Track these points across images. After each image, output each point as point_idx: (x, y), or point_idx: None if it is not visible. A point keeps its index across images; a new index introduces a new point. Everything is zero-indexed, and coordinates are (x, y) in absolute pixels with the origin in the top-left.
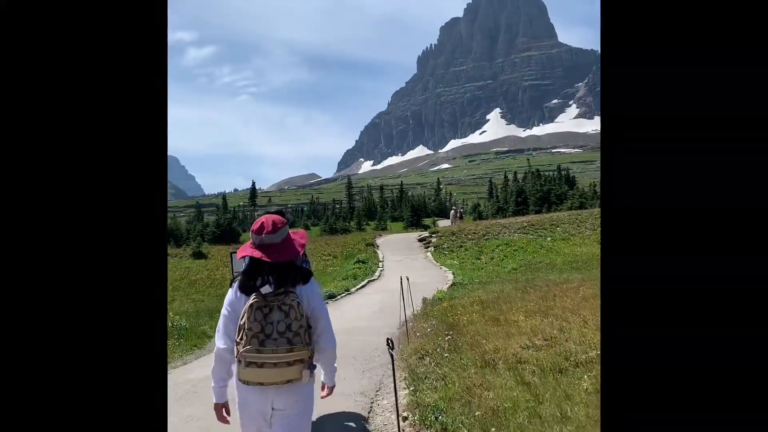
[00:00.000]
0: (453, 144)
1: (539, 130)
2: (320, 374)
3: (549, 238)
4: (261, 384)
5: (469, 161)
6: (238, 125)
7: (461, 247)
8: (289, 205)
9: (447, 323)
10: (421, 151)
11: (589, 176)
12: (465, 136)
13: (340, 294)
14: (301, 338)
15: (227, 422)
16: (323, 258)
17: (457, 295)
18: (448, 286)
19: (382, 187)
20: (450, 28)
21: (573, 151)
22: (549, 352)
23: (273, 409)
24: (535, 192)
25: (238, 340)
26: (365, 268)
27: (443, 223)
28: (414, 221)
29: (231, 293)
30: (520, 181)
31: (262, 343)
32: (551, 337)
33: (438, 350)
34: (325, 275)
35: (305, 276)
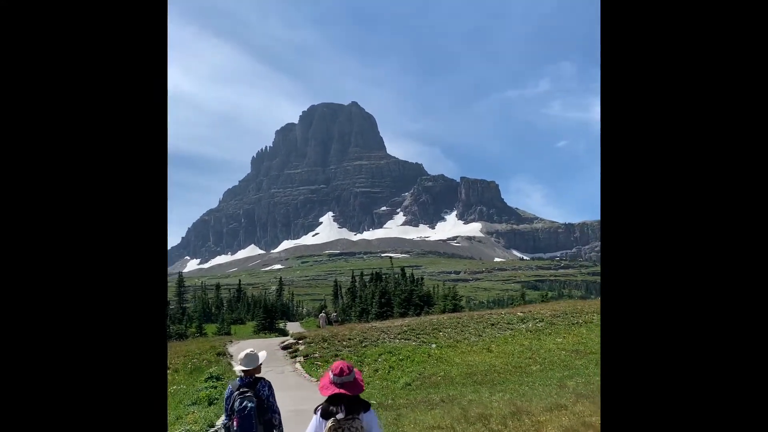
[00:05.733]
0: (286, 245)
1: (369, 235)
2: None
3: (434, 345)
4: None
5: (302, 262)
6: None
7: (336, 356)
8: None
9: None
10: (252, 250)
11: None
12: (298, 237)
13: None
14: None
15: None
16: None
17: None
18: None
19: (218, 286)
20: (286, 132)
21: (401, 255)
22: None
23: None
24: (399, 293)
25: None
26: (221, 387)
27: (293, 327)
28: (267, 324)
29: (315, 419)
30: (367, 283)
31: None
32: None
33: None
34: (167, 398)
35: (366, 406)
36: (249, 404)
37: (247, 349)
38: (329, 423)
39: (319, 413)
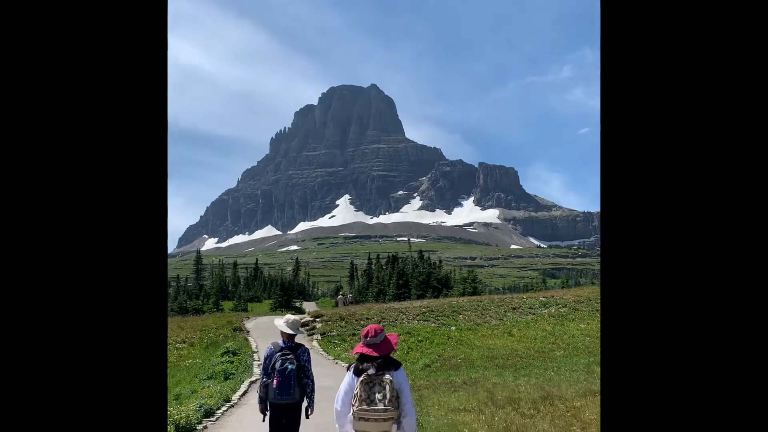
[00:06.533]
0: (302, 226)
1: (385, 219)
2: None
3: (454, 327)
4: None
5: (319, 244)
6: None
7: (354, 335)
8: None
9: None
10: (269, 231)
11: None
12: (315, 219)
13: (218, 407)
14: (393, 404)
15: None
16: (175, 346)
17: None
18: None
19: (235, 264)
20: (305, 113)
21: (416, 240)
22: None
23: None
24: (417, 275)
25: (353, 403)
26: (237, 362)
27: (308, 307)
28: (284, 302)
29: (348, 376)
30: (384, 265)
31: (368, 405)
32: None
33: None
34: (181, 371)
35: (396, 365)
36: (290, 366)
37: (289, 315)
38: (361, 378)
39: (351, 370)
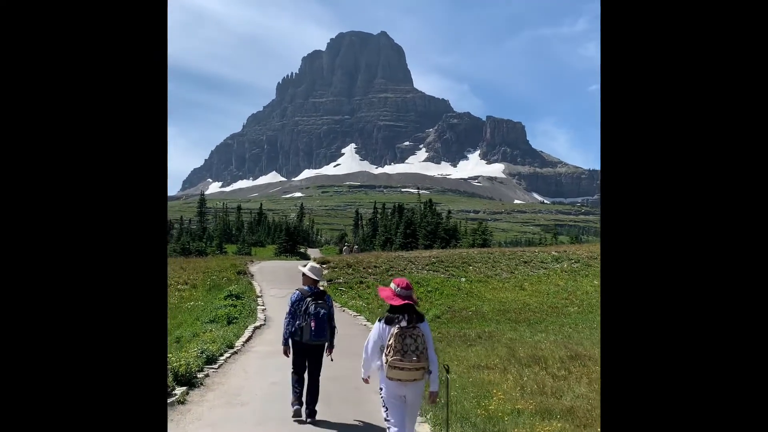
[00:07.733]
0: (307, 173)
1: (390, 169)
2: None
3: (463, 279)
4: (399, 380)
5: (323, 192)
6: None
7: (362, 283)
8: None
9: None
10: (273, 177)
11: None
12: (320, 167)
13: (220, 354)
14: (423, 354)
15: (368, 383)
16: (177, 288)
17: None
18: None
19: (239, 208)
20: (312, 59)
21: (421, 192)
22: None
23: (405, 397)
24: (425, 225)
25: (386, 353)
26: (241, 306)
27: (313, 253)
28: (288, 247)
29: (379, 325)
30: (390, 215)
31: (402, 356)
32: None
33: None
34: (182, 313)
35: (421, 317)
36: (323, 311)
37: (312, 263)
38: (394, 329)
39: (383, 321)
